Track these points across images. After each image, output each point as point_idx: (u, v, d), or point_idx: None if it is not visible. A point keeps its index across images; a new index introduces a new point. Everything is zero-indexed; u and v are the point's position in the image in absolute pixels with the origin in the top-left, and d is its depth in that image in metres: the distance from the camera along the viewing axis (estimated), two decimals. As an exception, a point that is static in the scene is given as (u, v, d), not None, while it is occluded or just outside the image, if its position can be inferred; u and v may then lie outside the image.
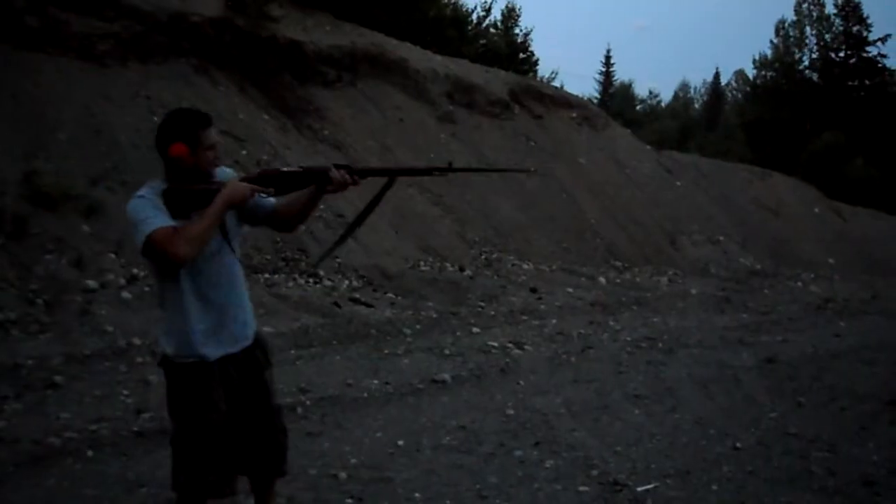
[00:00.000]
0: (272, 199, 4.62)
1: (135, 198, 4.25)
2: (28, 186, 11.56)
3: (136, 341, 9.72)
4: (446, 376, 9.66)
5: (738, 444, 7.65)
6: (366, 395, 8.84)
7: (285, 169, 4.58)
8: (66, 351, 9.20)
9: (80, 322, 9.99)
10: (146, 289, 10.92)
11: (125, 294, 10.81)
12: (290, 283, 12.92)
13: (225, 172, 4.54)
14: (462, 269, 16.35)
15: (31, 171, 11.79)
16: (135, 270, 11.28)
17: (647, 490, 6.44)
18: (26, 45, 14.15)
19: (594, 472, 6.75)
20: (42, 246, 10.98)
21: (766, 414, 8.80)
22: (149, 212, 4.16)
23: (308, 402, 8.33)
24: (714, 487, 6.59)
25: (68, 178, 12.11)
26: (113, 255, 11.49)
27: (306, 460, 6.72)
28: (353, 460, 6.82)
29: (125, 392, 8.23)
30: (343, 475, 6.43)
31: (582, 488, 6.42)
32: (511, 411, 8.43)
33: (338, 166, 4.50)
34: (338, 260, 14.15)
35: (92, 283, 10.75)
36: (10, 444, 6.71)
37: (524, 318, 13.96)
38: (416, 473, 6.58)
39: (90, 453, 6.65)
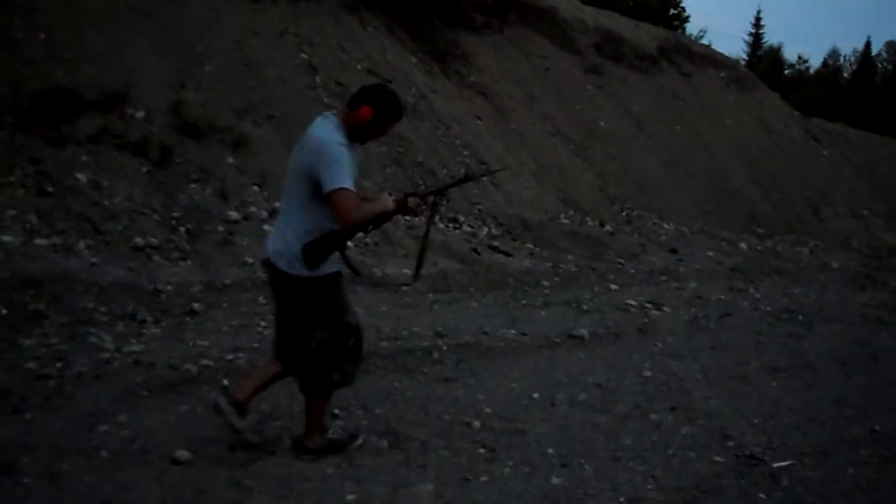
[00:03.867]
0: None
1: (333, 141, 5.10)
2: (175, 116, 11.65)
3: (277, 274, 9.83)
4: (584, 332, 9.56)
5: (876, 427, 7.42)
6: (502, 344, 8.81)
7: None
8: (206, 279, 9.31)
9: (221, 252, 10.08)
10: (288, 222, 10.99)
11: (266, 227, 10.88)
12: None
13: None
14: (602, 225, 16.19)
15: (178, 102, 11.87)
16: (276, 204, 11.34)
17: (783, 467, 6.30)
18: (176, -23, 14.28)
19: (730, 444, 6.62)
20: (186, 175, 11.08)
21: (905, 398, 8.51)
22: (347, 166, 5.07)
23: (444, 347, 8.33)
24: (850, 471, 6.40)
25: (215, 109, 12.18)
26: (256, 188, 11.58)
27: (441, 406, 6.75)
28: (487, 409, 6.81)
29: (263, 324, 8.29)
30: (476, 424, 6.43)
31: (717, 458, 6.31)
32: (648, 373, 8.34)
33: (408, 195, 5.52)
34: (478, 207, 14.12)
35: (234, 215, 10.82)
36: (146, 367, 6.79)
37: (663, 278, 13.85)
38: (550, 428, 6.54)
39: (225, 382, 6.67)
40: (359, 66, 15.46)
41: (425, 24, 18.81)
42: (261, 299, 9.09)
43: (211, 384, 6.64)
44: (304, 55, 14.84)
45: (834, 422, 7.53)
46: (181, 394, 6.44)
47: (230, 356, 7.32)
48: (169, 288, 8.84)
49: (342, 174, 4.99)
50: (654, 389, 7.85)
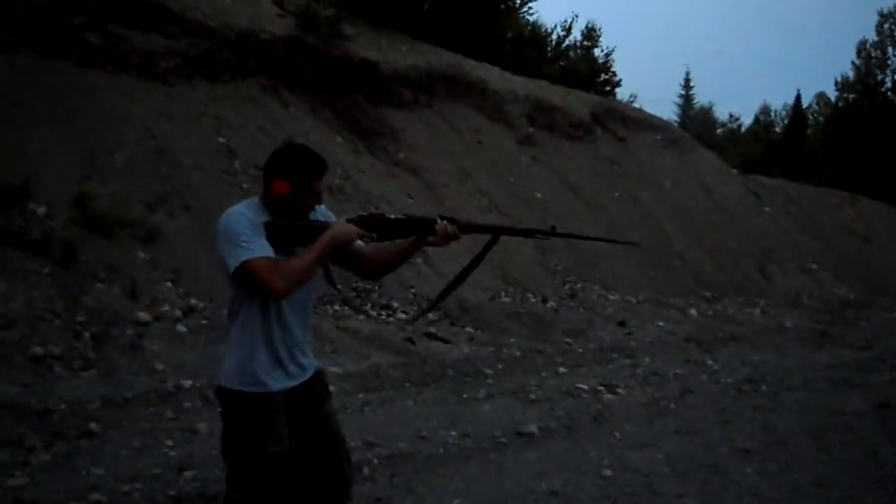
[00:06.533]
0: (360, 242, 4.43)
1: (233, 213, 4.12)
2: (80, 211, 10.93)
3: (186, 383, 8.94)
4: (533, 428, 8.68)
5: (867, 512, 6.64)
6: (441, 450, 7.89)
7: (391, 216, 4.37)
8: (106, 393, 8.42)
9: (129, 358, 9.20)
10: (203, 321, 10.25)
11: (180, 327, 10.06)
12: (361, 317, 12.06)
13: (320, 210, 4.41)
14: (545, 301, 15.55)
15: (83, 194, 11.15)
16: (193, 301, 10.55)
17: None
18: (86, 63, 13.67)
19: (713, 556, 5.74)
20: (93, 274, 10.27)
21: (889, 472, 7.80)
22: (249, 234, 4.04)
23: (375, 461, 7.39)
24: (852, 570, 5.57)
25: (125, 201, 11.45)
26: (170, 284, 10.78)
27: (374, 538, 5.77)
28: (430, 540, 5.84)
29: (169, 443, 7.44)
30: (418, 562, 5.45)
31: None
32: (608, 472, 7.43)
33: (443, 217, 4.32)
34: (412, 291, 13.36)
35: (144, 315, 10.00)
36: (26, 509, 5.82)
37: (614, 356, 13.16)
38: (505, 558, 5.59)
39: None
40: (280, 149, 14.75)
41: (349, 102, 18.36)
42: (168, 413, 8.17)
43: (99, 528, 5.64)
44: (221, 139, 14.25)
45: (820, 511, 6.72)
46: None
47: (126, 487, 6.36)
48: (62, 406, 7.96)
49: (246, 243, 4.00)
50: (618, 492, 6.94)
